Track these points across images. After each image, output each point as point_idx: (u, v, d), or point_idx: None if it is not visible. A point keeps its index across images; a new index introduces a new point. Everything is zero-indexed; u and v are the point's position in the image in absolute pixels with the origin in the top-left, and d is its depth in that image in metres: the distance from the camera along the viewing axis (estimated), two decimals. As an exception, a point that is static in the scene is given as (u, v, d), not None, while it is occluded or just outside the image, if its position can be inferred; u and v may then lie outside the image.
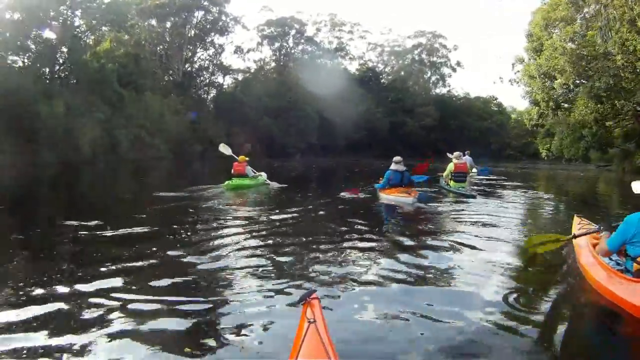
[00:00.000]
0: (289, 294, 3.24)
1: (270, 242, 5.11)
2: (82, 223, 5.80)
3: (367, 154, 43.32)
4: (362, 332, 2.71)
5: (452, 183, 10.71)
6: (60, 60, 29.81)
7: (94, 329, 2.61)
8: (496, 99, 61.32)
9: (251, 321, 2.79)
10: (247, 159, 11.67)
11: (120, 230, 5.51)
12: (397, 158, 9.40)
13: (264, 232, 5.63)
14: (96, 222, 5.87)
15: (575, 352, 2.70)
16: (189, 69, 42.63)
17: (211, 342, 2.53)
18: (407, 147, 47.67)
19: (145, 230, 5.69)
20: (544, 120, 28.55)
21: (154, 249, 4.55)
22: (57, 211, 8.09)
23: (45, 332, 2.56)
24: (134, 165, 23.97)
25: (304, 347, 1.68)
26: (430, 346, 2.51)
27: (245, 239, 5.15)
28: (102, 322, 2.71)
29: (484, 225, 6.44)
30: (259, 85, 43.03)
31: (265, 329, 2.70)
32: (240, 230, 5.80)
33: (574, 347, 2.78)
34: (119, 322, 2.72)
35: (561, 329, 3.07)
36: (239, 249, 4.63)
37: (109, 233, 5.39)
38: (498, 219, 7.00)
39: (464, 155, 18.57)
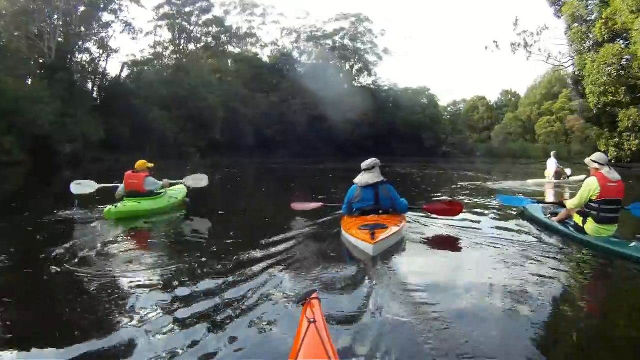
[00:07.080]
0: (289, 294, 3.22)
1: (268, 244, 4.72)
2: None
3: (281, 153, 38.57)
4: (362, 332, 2.65)
5: (591, 225, 4.90)
6: None
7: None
8: (428, 89, 56.24)
9: (251, 321, 2.77)
10: (149, 165, 7.26)
11: None
12: (368, 162, 5.34)
13: (264, 233, 5.19)
14: None
15: None
16: (65, 49, 34.86)
17: (211, 343, 2.50)
18: (329, 145, 43.61)
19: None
20: None
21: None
22: None
23: None
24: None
25: (304, 347, 1.68)
26: (431, 347, 2.45)
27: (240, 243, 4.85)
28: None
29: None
30: (152, 71, 36.51)
31: (265, 329, 2.69)
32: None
33: None
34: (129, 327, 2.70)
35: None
36: (238, 251, 4.48)
37: None
38: None
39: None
